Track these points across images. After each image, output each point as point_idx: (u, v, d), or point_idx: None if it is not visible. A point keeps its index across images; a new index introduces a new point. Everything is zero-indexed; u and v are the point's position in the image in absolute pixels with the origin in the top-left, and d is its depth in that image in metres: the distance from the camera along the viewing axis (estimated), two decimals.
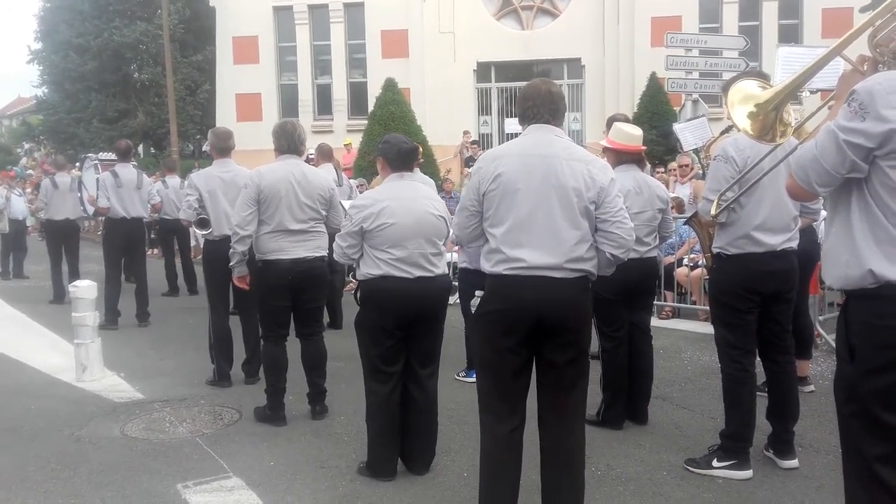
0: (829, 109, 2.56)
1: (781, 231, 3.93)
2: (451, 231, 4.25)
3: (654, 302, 8.07)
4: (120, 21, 24.65)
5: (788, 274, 4.00)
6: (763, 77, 3.47)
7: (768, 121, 2.75)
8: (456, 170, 17.43)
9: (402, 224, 3.92)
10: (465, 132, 18.78)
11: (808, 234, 4.67)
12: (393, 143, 4.12)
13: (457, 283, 5.95)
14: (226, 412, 5.33)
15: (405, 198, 4.01)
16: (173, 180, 11.01)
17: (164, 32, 20.60)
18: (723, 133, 5.33)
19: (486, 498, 3.25)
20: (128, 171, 8.55)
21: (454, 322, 7.92)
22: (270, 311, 4.98)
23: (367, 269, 4.00)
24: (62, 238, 10.29)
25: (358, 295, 4.11)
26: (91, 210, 9.05)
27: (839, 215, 2.36)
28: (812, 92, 5.51)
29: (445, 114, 19.74)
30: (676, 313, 8.44)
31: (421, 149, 7.22)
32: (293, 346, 5.13)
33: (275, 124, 5.21)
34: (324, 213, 5.00)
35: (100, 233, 10.13)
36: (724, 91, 3.13)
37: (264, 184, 4.81)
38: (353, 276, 4.18)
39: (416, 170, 6.75)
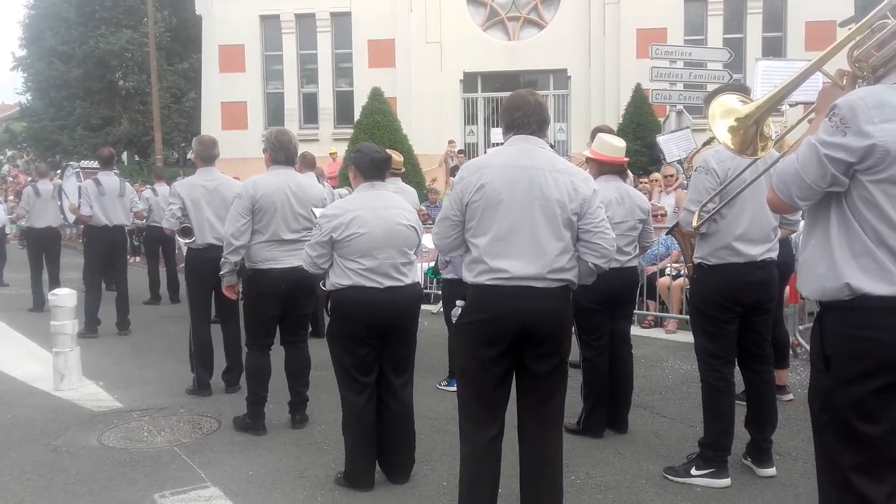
0: (810, 123, 2.58)
1: (762, 242, 3.96)
2: (422, 242, 4.27)
3: (637, 311, 8.17)
4: (106, 28, 24.56)
5: (768, 284, 4.04)
6: (744, 91, 3.50)
7: (749, 135, 2.77)
8: (441, 179, 17.46)
9: (373, 234, 3.91)
10: (451, 141, 18.83)
11: (785, 246, 4.71)
12: (365, 151, 4.11)
13: (440, 293, 5.95)
14: (205, 421, 5.29)
15: (376, 207, 4.00)
16: (162, 188, 10.95)
17: (149, 40, 20.58)
18: (705, 144, 5.38)
19: None
20: (110, 179, 8.50)
21: (437, 331, 7.95)
22: (259, 320, 4.96)
23: (337, 279, 3.98)
24: (43, 246, 10.22)
25: (329, 305, 4.09)
26: (72, 218, 8.98)
27: (818, 227, 2.37)
28: (792, 105, 5.56)
29: (431, 123, 19.81)
30: (658, 322, 8.46)
31: (402, 158, 7.25)
32: (275, 354, 5.10)
33: (269, 132, 5.19)
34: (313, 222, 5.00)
35: (81, 241, 10.01)
36: (705, 103, 3.15)
37: (259, 194, 4.79)
38: (322, 285, 4.16)
39: (398, 179, 6.85)
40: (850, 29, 2.45)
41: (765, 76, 8.07)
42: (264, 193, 4.80)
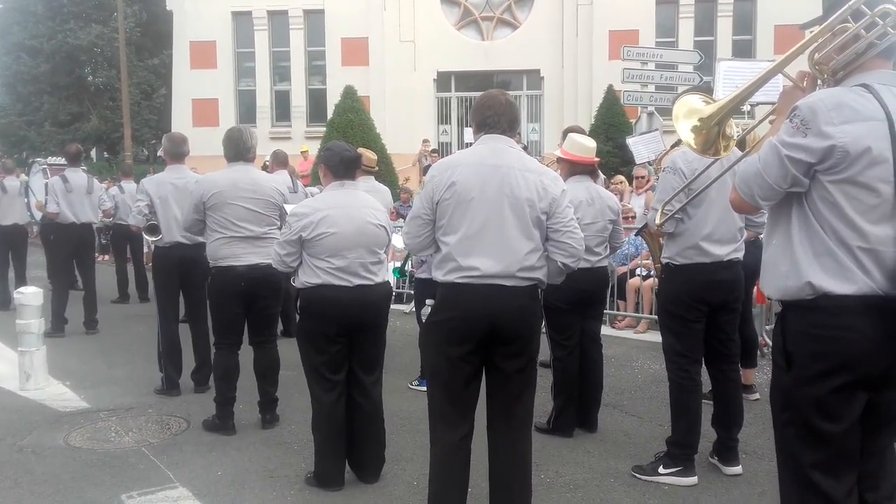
0: (771, 124, 2.62)
1: (728, 242, 4.02)
2: (392, 241, 4.27)
3: (611, 311, 8.24)
4: (74, 23, 24.23)
5: (735, 284, 4.09)
6: (708, 92, 3.55)
7: (711, 135, 2.81)
8: (415, 178, 17.44)
9: (343, 233, 3.91)
10: (425, 141, 18.81)
11: (754, 247, 4.77)
12: (335, 150, 4.10)
13: (412, 292, 5.95)
14: (173, 421, 5.24)
15: (346, 206, 3.99)
16: (130, 185, 10.79)
17: (119, 35, 20.31)
18: (673, 146, 5.43)
19: None
20: (78, 175, 8.38)
21: (408, 331, 7.94)
22: (224, 319, 4.93)
23: (306, 278, 3.97)
24: (9, 243, 10.02)
25: (298, 303, 4.08)
26: (38, 215, 8.83)
27: (779, 227, 2.40)
28: (753, 105, 5.64)
29: (405, 122, 19.78)
30: (635, 323, 8.52)
31: (376, 157, 7.24)
32: (244, 354, 5.07)
33: (225, 132, 5.20)
34: (277, 219, 4.97)
35: (41, 238, 9.77)
36: (673, 104, 3.20)
37: (209, 191, 4.80)
38: (292, 282, 4.15)
39: (371, 178, 6.83)
40: (812, 32, 2.49)
41: (726, 76, 8.15)
42: (216, 190, 4.80)
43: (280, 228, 4.98)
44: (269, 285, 4.93)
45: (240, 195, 4.83)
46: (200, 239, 5.84)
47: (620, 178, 11.05)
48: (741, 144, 3.18)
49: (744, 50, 19.25)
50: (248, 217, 4.84)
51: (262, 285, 4.88)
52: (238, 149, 4.97)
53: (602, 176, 7.32)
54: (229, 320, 4.92)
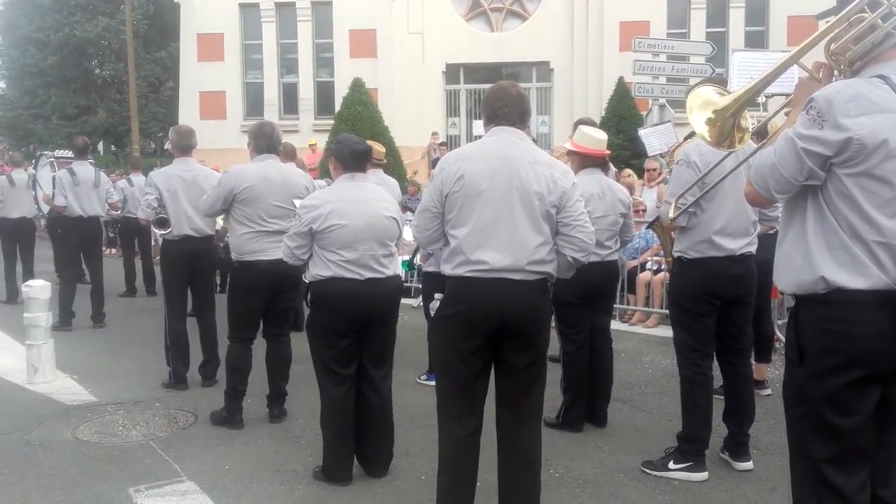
0: (787, 116, 2.58)
1: (741, 236, 3.97)
2: (403, 233, 4.24)
3: (620, 306, 8.19)
4: (82, 16, 24.21)
5: (747, 278, 4.05)
6: (722, 83, 3.50)
7: (726, 127, 2.77)
8: (423, 171, 17.39)
9: (353, 226, 3.88)
10: (434, 133, 18.76)
11: (772, 240, 4.71)
12: (345, 143, 4.07)
13: (420, 286, 5.92)
14: (181, 415, 5.23)
15: (356, 199, 3.97)
16: (139, 178, 10.81)
17: (126, 28, 20.31)
18: (687, 138, 5.39)
19: (444, 500, 3.22)
20: (85, 168, 8.36)
21: (417, 325, 7.91)
22: (244, 313, 4.91)
23: (317, 271, 3.95)
24: (17, 237, 10.04)
25: (308, 297, 4.05)
26: (46, 209, 8.84)
27: (794, 221, 2.38)
28: (768, 97, 5.57)
29: (413, 115, 19.69)
30: (646, 317, 8.47)
31: (384, 150, 7.20)
32: (254, 348, 5.05)
33: (252, 125, 5.18)
34: None
35: (50, 231, 9.75)
36: (686, 96, 3.16)
37: (241, 184, 4.76)
38: (303, 277, 4.13)
39: (380, 171, 6.80)
40: (827, 22, 2.45)
41: (741, 68, 8.07)
42: (247, 185, 4.76)
43: None
44: (292, 280, 4.91)
45: (271, 190, 4.80)
46: (209, 232, 5.86)
47: (629, 171, 10.97)
48: (762, 134, 3.11)
49: (756, 41, 19.09)
50: (278, 213, 4.82)
51: (286, 279, 4.87)
52: (271, 141, 4.96)
53: (613, 169, 7.25)
54: (250, 315, 4.91)
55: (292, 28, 21.23)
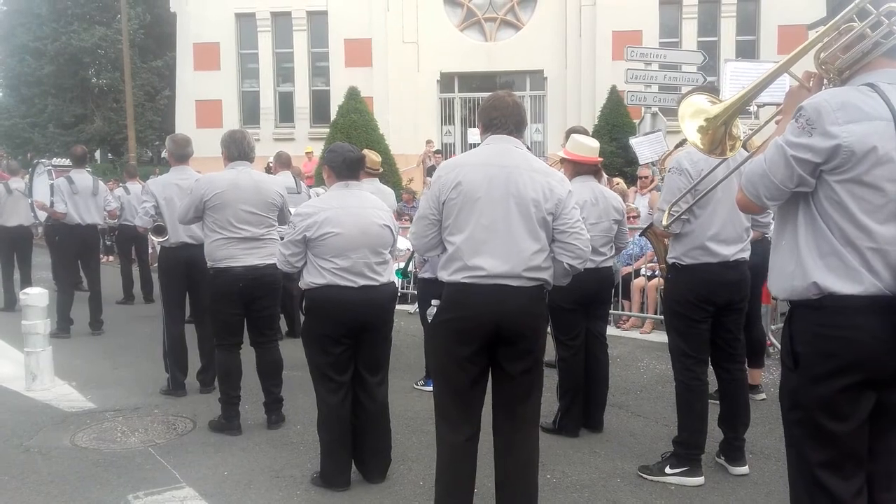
0: (777, 124, 2.62)
1: (734, 242, 4.01)
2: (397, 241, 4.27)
3: (615, 311, 8.23)
4: (78, 25, 24.23)
5: (741, 284, 4.09)
6: (714, 92, 3.55)
7: (717, 135, 2.81)
8: (418, 179, 17.44)
9: (347, 234, 3.92)
10: (428, 142, 18.83)
11: (762, 246, 4.77)
12: (339, 151, 4.11)
13: (416, 293, 5.95)
14: (179, 422, 5.25)
15: (350, 207, 4.00)
16: (135, 186, 10.85)
17: (123, 37, 20.35)
18: (678, 146, 5.43)
19: None
20: (83, 177, 8.41)
21: (413, 331, 7.95)
22: (222, 319, 4.94)
23: (311, 279, 3.98)
24: (15, 245, 10.05)
25: (303, 304, 4.09)
26: (43, 216, 8.86)
27: (787, 228, 2.40)
28: (759, 106, 5.64)
29: (408, 123, 19.79)
30: (640, 323, 8.52)
31: (380, 159, 7.24)
32: (249, 354, 5.08)
33: (224, 134, 5.20)
34: (275, 220, 5.00)
35: (45, 238, 9.76)
36: (678, 105, 3.20)
37: (210, 191, 4.80)
38: (298, 284, 4.16)
39: (376, 179, 6.84)
40: (818, 31, 2.49)
41: (733, 77, 8.17)
42: (216, 192, 4.81)
43: (276, 230, 5.01)
44: (267, 286, 4.95)
45: (240, 196, 4.84)
46: None
47: (618, 179, 11.06)
48: (747, 146, 3.18)
49: (747, 50, 19.24)
50: (248, 219, 4.85)
51: (259, 286, 4.90)
52: (242, 148, 4.99)
53: (605, 176, 7.31)
54: (228, 321, 4.94)
55: (288, 37, 21.31)
